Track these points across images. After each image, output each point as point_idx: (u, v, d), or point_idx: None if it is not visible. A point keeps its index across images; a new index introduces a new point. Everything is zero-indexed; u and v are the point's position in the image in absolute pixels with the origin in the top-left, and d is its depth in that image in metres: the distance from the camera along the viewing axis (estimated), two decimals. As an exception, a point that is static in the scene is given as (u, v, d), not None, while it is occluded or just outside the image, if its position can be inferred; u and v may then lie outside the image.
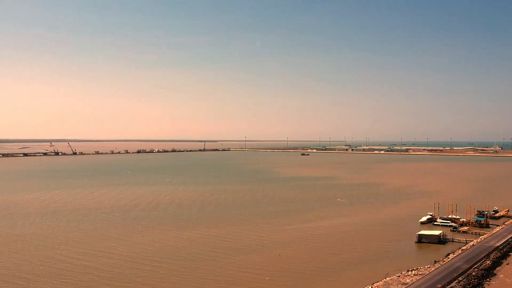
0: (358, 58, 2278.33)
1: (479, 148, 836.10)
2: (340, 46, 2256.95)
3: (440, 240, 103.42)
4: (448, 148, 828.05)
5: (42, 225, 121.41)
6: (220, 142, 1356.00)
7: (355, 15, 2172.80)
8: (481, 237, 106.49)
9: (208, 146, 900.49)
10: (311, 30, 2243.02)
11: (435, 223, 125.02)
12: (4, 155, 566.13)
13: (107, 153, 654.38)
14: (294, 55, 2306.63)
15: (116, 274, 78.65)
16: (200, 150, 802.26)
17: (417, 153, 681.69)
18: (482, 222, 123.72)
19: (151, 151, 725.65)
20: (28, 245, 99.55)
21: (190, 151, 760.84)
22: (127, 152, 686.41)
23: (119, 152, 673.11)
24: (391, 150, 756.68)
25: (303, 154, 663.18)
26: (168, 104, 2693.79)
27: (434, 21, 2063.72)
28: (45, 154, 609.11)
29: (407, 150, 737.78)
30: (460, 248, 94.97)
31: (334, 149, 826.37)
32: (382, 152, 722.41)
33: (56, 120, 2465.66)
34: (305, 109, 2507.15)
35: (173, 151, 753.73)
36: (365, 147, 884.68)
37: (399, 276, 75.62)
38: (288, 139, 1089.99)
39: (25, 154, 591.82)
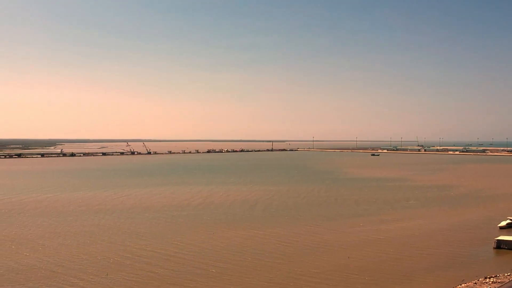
0: (432, 54, 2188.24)
1: None
2: (412, 43, 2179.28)
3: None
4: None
5: (101, 222, 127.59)
6: (288, 142, 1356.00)
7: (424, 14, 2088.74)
8: None
9: (276, 146, 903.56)
10: (376, 29, 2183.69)
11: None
12: (85, 154, 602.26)
13: (179, 153, 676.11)
14: (363, 54, 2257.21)
15: (175, 273, 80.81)
16: (267, 150, 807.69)
17: (495, 154, 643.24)
18: None
19: (221, 151, 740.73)
20: (96, 240, 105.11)
21: (258, 151, 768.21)
22: (197, 151, 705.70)
23: (190, 152, 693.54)
24: (467, 151, 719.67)
25: (373, 155, 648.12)
26: (237, 104, 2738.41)
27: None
28: (121, 153, 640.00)
29: (484, 151, 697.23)
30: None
31: (406, 150, 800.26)
32: (457, 152, 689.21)
33: (131, 121, 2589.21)
34: (375, 108, 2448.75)
35: (242, 151, 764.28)
36: (438, 148, 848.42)
37: (475, 283, 72.30)
38: (357, 139, 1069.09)
39: (104, 154, 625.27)
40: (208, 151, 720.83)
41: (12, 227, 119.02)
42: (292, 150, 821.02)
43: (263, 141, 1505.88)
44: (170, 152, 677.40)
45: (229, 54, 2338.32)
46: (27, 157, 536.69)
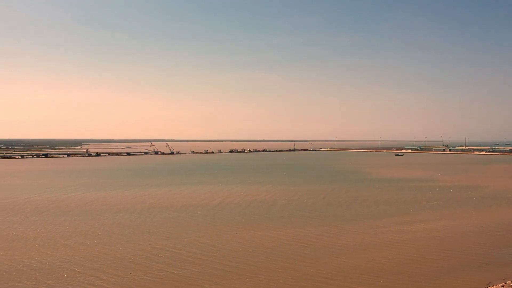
0: (457, 53, 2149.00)
1: None
2: (438, 42, 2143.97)
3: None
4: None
5: (121, 222, 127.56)
6: (310, 142, 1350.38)
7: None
8: None
9: (298, 146, 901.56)
10: (398, 27, 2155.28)
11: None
12: (110, 154, 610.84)
13: (202, 153, 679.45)
14: (387, 53, 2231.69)
15: (194, 273, 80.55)
16: (290, 150, 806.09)
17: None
18: None
19: (243, 151, 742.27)
20: (116, 239, 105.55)
21: (280, 151, 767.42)
22: (220, 151, 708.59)
23: (212, 152, 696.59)
24: (493, 151, 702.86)
25: (397, 155, 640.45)
26: (259, 104, 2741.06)
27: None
28: (145, 153, 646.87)
29: (511, 151, 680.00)
30: None
31: (430, 150, 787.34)
32: (483, 152, 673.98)
33: (155, 122, 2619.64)
34: (399, 107, 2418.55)
35: (264, 151, 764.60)
36: (464, 148, 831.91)
37: (503, 286, 70.16)
38: (381, 139, 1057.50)
39: (128, 154, 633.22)
40: (231, 151, 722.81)
41: (36, 225, 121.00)
42: (315, 150, 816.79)
43: (285, 141, 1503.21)
44: (193, 152, 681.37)
45: (251, 52, 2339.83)
46: (54, 156, 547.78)
